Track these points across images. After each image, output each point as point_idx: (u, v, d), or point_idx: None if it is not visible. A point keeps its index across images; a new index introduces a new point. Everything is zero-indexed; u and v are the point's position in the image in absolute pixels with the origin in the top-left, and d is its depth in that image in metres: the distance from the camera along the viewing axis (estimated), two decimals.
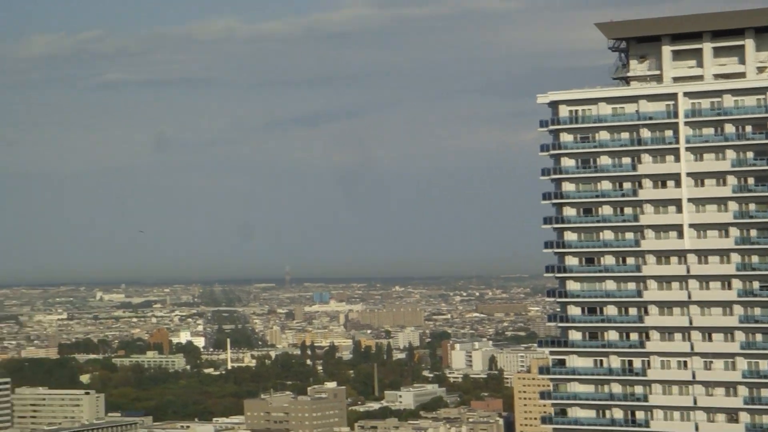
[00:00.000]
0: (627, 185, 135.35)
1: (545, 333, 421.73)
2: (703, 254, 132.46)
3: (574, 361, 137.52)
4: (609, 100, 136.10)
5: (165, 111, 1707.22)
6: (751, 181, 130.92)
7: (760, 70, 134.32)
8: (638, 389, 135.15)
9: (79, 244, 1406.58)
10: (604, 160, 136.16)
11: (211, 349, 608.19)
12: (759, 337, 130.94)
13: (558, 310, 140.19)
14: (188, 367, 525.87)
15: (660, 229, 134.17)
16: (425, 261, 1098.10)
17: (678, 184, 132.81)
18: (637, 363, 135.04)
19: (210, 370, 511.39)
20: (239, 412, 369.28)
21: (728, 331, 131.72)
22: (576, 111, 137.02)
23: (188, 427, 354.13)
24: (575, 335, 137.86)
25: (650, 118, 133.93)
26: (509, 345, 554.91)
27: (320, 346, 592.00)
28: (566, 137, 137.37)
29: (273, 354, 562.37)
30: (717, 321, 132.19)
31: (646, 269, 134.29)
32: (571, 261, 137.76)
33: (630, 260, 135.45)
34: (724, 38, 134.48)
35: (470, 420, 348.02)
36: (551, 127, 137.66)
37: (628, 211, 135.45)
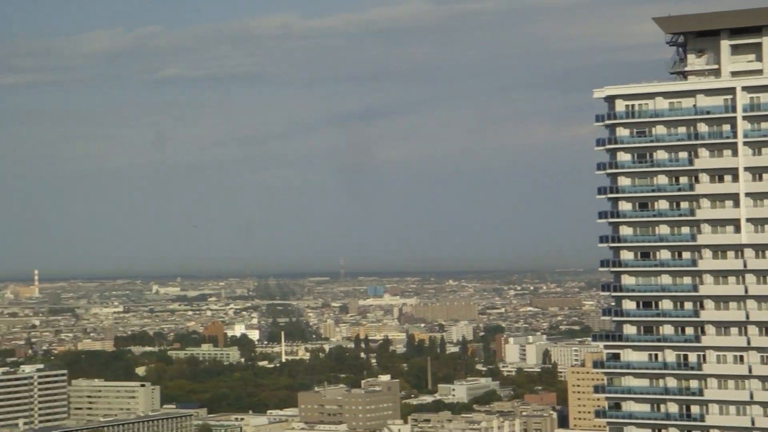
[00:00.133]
0: (683, 180, 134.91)
1: (599, 327, 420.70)
2: (760, 249, 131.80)
3: (629, 355, 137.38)
4: (666, 95, 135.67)
5: (222, 106, 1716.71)
6: None
7: None
8: (693, 383, 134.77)
9: (136, 238, 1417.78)
10: (661, 155, 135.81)
11: (266, 342, 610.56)
12: None
13: (613, 304, 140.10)
14: (243, 359, 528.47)
15: (717, 224, 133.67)
16: (479, 255, 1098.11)
17: (735, 179, 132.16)
18: (693, 357, 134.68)
19: (264, 363, 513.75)
20: (293, 404, 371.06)
21: None
22: (632, 105, 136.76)
23: (242, 419, 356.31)
24: (630, 329, 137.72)
25: (708, 113, 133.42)
26: (563, 339, 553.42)
27: (374, 339, 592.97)
28: (622, 132, 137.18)
29: (327, 347, 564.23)
30: None
31: (702, 263, 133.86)
32: (627, 255, 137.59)
33: (686, 255, 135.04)
34: None
35: (524, 414, 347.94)
36: (607, 122, 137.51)
37: (684, 205, 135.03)
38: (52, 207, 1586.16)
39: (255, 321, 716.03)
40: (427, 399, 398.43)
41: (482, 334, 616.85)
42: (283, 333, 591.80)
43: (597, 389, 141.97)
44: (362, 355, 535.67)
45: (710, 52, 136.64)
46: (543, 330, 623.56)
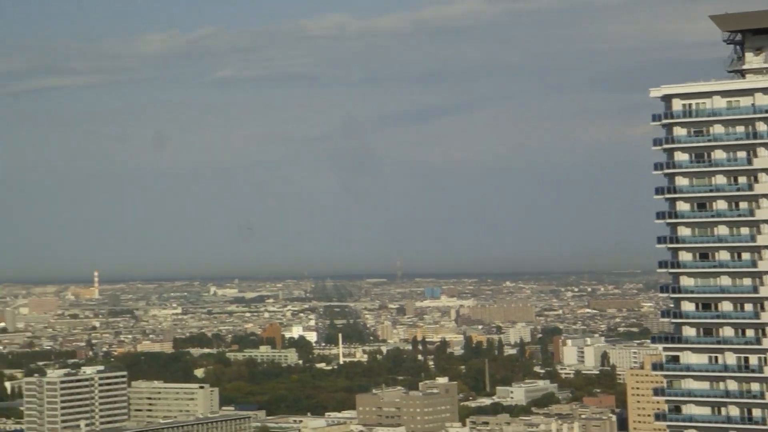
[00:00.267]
0: (742, 179, 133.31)
1: (658, 329, 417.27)
2: None
3: (689, 358, 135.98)
4: (724, 93, 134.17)
5: (277, 107, 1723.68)
6: None
7: None
8: (755, 386, 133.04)
9: (193, 239, 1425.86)
10: (719, 154, 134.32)
11: (323, 344, 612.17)
12: None
13: (671, 305, 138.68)
14: (300, 361, 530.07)
15: None
16: (536, 256, 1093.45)
17: None
18: (754, 360, 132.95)
19: (322, 365, 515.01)
20: (351, 406, 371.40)
21: None
22: (690, 104, 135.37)
23: (301, 421, 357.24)
24: (689, 331, 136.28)
25: (766, 111, 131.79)
26: (621, 341, 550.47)
27: (431, 341, 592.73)
28: (679, 131, 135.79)
29: (384, 349, 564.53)
30: None
31: (762, 264, 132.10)
32: (685, 256, 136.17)
33: (745, 255, 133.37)
34: None
35: (582, 416, 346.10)
36: (664, 121, 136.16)
37: (743, 205, 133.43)
38: (111, 208, 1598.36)
39: (312, 323, 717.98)
40: (485, 401, 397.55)
41: (540, 335, 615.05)
42: (340, 335, 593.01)
43: (656, 392, 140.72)
44: (419, 357, 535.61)
45: None
46: (601, 332, 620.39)
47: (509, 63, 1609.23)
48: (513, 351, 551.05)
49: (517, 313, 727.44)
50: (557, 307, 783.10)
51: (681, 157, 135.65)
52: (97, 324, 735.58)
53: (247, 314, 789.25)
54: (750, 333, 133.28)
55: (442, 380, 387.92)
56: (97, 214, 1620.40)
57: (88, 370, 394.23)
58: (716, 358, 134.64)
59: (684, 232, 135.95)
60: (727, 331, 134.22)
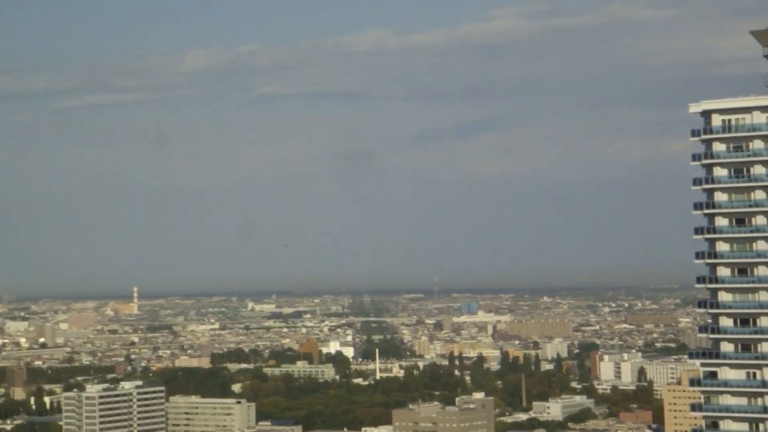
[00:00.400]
0: None
1: (696, 344, 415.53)
2: None
3: (726, 374, 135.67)
4: (764, 109, 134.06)
5: (319, 123, 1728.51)
6: None
7: None
8: None
9: (232, 255, 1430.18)
10: (758, 170, 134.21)
11: (360, 359, 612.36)
12: None
13: (709, 321, 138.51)
14: (337, 377, 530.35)
15: None
16: (574, 272, 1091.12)
17: None
18: None
19: (359, 380, 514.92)
20: (387, 422, 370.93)
21: None
22: (729, 120, 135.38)
23: None
24: (727, 347, 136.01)
25: None
26: (659, 356, 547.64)
27: (468, 356, 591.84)
28: (719, 146, 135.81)
29: (421, 364, 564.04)
30: None
31: None
32: (723, 272, 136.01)
33: None
34: None
35: None
36: (704, 137, 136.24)
37: None
38: (151, 223, 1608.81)
39: (350, 338, 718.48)
40: (522, 417, 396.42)
41: (577, 351, 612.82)
42: (377, 350, 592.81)
43: (694, 408, 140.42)
44: (456, 372, 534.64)
45: None
46: (638, 347, 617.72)
47: (550, 79, 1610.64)
48: (550, 366, 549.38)
49: (554, 328, 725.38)
50: (594, 323, 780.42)
51: (720, 172, 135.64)
52: (136, 339, 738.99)
53: (285, 329, 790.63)
54: None
55: (479, 395, 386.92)
56: (137, 229, 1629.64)
57: (127, 385, 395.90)
58: (754, 373, 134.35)
59: (722, 247, 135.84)
60: (766, 347, 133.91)
